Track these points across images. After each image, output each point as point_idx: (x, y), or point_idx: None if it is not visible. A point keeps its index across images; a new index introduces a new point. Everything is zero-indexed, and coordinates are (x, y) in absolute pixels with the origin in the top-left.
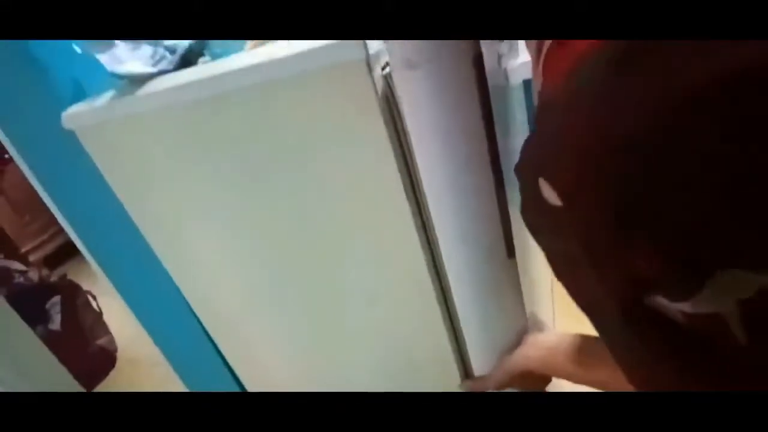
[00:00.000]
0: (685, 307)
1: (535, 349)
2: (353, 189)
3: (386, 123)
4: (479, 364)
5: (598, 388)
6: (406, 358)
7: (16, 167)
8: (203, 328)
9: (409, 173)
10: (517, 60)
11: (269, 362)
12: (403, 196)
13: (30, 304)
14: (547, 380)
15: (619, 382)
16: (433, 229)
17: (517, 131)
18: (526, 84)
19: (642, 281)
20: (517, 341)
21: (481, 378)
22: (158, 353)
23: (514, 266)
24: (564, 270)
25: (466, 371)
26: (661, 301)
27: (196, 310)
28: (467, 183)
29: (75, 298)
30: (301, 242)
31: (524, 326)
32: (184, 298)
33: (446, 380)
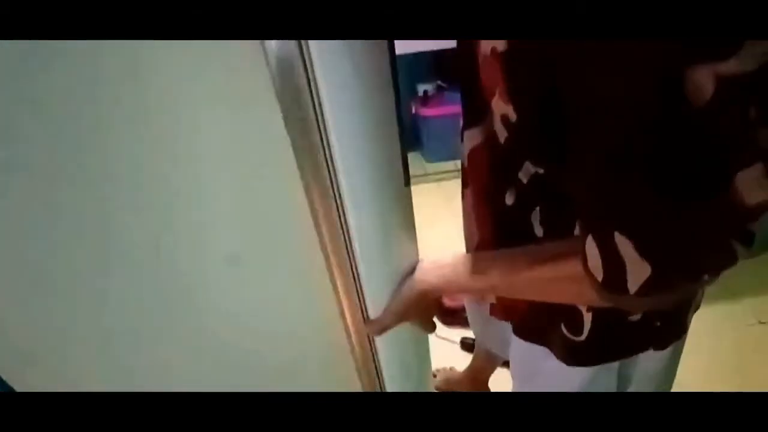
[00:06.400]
0: (725, 66)
1: (431, 269)
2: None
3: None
4: (376, 305)
5: (489, 294)
6: (291, 329)
7: None
8: None
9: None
10: None
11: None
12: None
13: None
14: (439, 304)
15: (514, 285)
16: (335, 164)
17: None
18: None
19: (690, 45)
20: (411, 271)
21: (378, 317)
22: None
23: (410, 196)
24: (583, 65)
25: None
26: (699, 70)
27: None
28: (371, 106)
29: None
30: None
31: (417, 260)
32: None
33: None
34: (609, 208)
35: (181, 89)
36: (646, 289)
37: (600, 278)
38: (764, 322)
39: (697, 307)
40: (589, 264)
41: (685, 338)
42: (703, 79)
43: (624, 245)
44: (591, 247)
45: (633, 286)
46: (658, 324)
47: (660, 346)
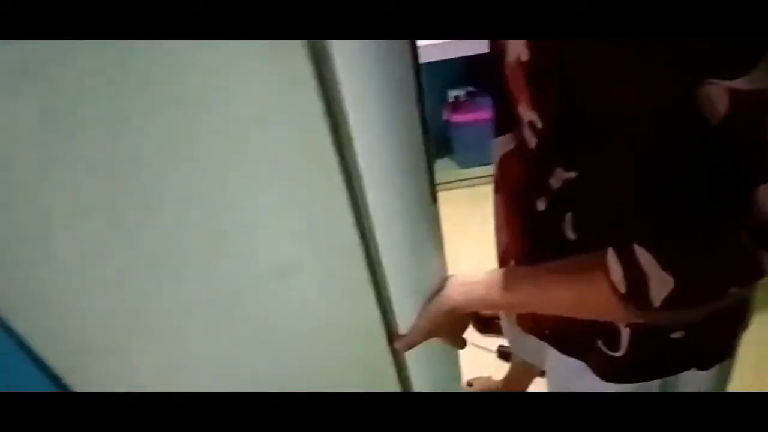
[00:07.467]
0: (740, 83)
1: (457, 286)
2: (263, 132)
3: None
4: (405, 322)
5: (518, 310)
6: (330, 340)
7: None
8: None
9: (335, 122)
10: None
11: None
12: (328, 140)
13: None
14: (467, 322)
15: (541, 300)
16: (360, 176)
17: None
18: None
19: (700, 62)
20: (439, 288)
21: (406, 333)
22: None
23: (437, 213)
24: (600, 77)
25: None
26: (714, 87)
27: None
28: (397, 126)
29: None
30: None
31: (445, 276)
32: None
33: (375, 354)
34: (627, 221)
35: (232, 107)
36: (670, 302)
37: (623, 291)
38: None
39: (746, 326)
40: (612, 277)
41: (733, 360)
42: (717, 96)
43: (644, 258)
44: (612, 260)
45: (656, 299)
46: (703, 342)
47: (704, 365)
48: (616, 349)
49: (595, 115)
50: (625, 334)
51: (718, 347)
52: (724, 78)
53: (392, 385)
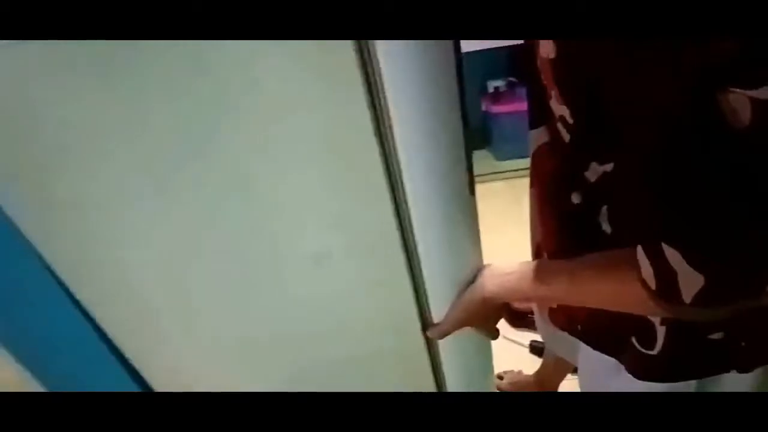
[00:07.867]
0: (759, 93)
1: (491, 276)
2: (307, 125)
3: (355, 51)
4: (439, 312)
5: (550, 302)
6: (366, 328)
7: None
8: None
9: (376, 112)
10: None
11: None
12: (371, 132)
13: None
14: (501, 312)
15: (574, 293)
16: (400, 170)
17: None
18: None
19: (721, 69)
20: (473, 277)
21: (440, 322)
22: None
23: (474, 204)
24: (622, 78)
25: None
26: (736, 95)
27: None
28: (437, 119)
29: None
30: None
31: (480, 267)
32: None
33: (411, 348)
34: (654, 219)
35: (276, 93)
36: (701, 299)
37: (653, 287)
38: None
39: None
40: (643, 273)
41: None
42: (740, 104)
43: (673, 255)
44: (642, 257)
45: (687, 296)
46: (744, 344)
47: (745, 368)
48: (651, 347)
49: (622, 114)
50: (661, 332)
51: (761, 350)
52: (744, 87)
53: (425, 374)
